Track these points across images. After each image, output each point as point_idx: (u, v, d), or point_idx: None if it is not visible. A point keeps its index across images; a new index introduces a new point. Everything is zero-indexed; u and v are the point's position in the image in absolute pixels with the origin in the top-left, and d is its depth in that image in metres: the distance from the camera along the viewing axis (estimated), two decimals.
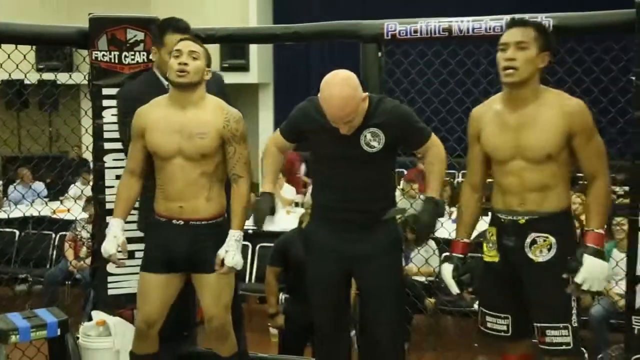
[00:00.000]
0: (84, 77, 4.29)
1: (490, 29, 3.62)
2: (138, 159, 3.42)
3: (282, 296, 5.15)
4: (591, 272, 2.85)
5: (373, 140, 3.11)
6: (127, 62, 3.96)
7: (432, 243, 5.89)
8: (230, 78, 4.34)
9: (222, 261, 3.24)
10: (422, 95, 4.16)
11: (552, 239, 2.95)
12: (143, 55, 3.98)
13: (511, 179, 2.99)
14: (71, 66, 11.06)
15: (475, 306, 5.53)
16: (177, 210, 3.30)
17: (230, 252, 3.24)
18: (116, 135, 3.95)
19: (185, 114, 3.28)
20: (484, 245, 3.16)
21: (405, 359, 3.49)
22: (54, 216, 7.50)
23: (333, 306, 3.33)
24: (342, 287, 3.33)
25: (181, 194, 3.28)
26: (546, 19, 3.51)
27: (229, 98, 3.87)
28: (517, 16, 3.07)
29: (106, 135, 3.99)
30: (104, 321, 3.90)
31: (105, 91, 3.95)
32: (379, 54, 3.85)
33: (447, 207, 8.24)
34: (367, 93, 3.12)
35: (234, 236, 3.27)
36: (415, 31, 3.72)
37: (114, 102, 3.94)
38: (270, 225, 5.75)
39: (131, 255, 3.69)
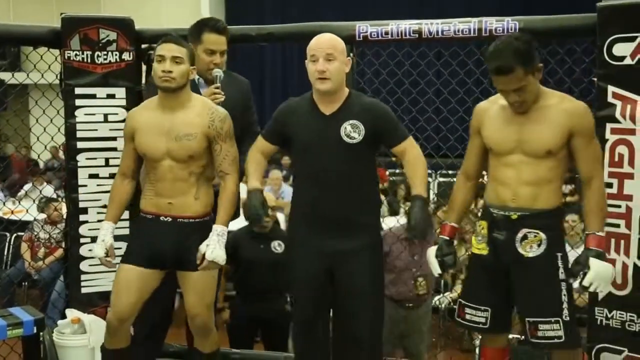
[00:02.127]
0: (27, 75, 4.35)
1: (458, 31, 3.67)
2: (129, 161, 3.42)
3: None
4: (598, 274, 2.90)
5: (353, 132, 3.15)
6: (99, 62, 3.94)
7: None
8: None
9: (203, 256, 3.23)
10: (392, 95, 4.22)
11: (543, 235, 2.98)
12: (115, 55, 3.97)
13: (508, 172, 3.02)
14: (16, 65, 10.87)
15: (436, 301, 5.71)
16: (166, 206, 3.30)
17: (211, 247, 3.22)
18: (89, 134, 3.95)
19: (172, 116, 3.27)
20: (473, 237, 3.19)
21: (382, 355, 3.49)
22: (12, 217, 7.42)
23: (314, 303, 3.34)
24: (323, 284, 3.31)
25: (171, 191, 3.29)
26: (512, 22, 3.59)
27: (252, 105, 3.88)
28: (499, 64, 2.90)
29: (79, 134, 3.98)
30: (78, 319, 3.87)
31: (78, 90, 3.93)
32: (351, 54, 3.85)
33: (401, 205, 8.42)
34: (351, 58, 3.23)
35: (216, 230, 3.26)
36: (387, 33, 3.76)
37: (86, 102, 3.94)
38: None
39: None
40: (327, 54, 3.11)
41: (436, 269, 3.22)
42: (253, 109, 3.89)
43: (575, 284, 3.05)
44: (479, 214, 3.32)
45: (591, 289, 2.94)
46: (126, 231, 3.84)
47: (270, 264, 4.66)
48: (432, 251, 3.24)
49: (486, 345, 3.28)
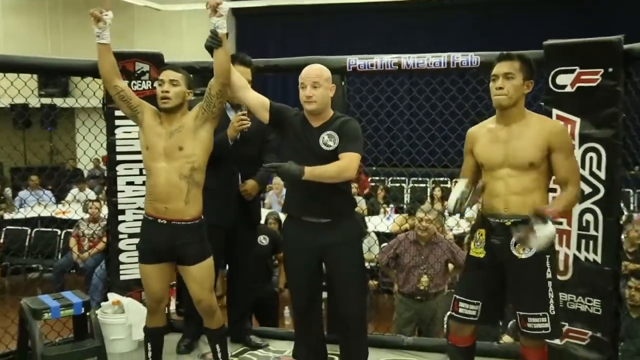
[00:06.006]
0: (76, 100, 4.62)
1: (431, 64, 3.98)
2: None
3: None
4: (541, 235, 2.89)
5: (329, 140, 3.36)
6: (135, 89, 4.18)
7: (373, 235, 6.45)
8: None
9: None
10: (377, 116, 4.56)
11: None
12: (148, 83, 4.27)
13: (498, 185, 3.14)
14: (66, 91, 11.28)
15: None
16: (162, 210, 3.43)
17: None
18: (126, 149, 4.28)
19: (170, 125, 3.46)
20: (472, 243, 3.27)
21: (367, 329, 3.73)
22: (63, 217, 8.04)
23: (307, 290, 3.57)
24: (314, 273, 3.54)
25: (165, 195, 3.41)
26: (475, 56, 3.90)
27: (269, 129, 3.93)
28: (505, 52, 3.20)
29: (118, 149, 4.30)
30: (118, 301, 4.17)
31: (118, 113, 4.15)
32: (342, 82, 4.19)
33: (381, 207, 8.86)
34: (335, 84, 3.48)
35: None
36: (372, 65, 4.07)
37: (124, 122, 4.23)
38: None
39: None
40: (313, 82, 3.35)
41: (452, 206, 3.18)
42: (270, 131, 4.05)
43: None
44: (475, 224, 3.40)
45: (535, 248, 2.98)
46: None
47: (256, 256, 4.58)
48: (459, 188, 3.19)
49: (455, 334, 3.38)
